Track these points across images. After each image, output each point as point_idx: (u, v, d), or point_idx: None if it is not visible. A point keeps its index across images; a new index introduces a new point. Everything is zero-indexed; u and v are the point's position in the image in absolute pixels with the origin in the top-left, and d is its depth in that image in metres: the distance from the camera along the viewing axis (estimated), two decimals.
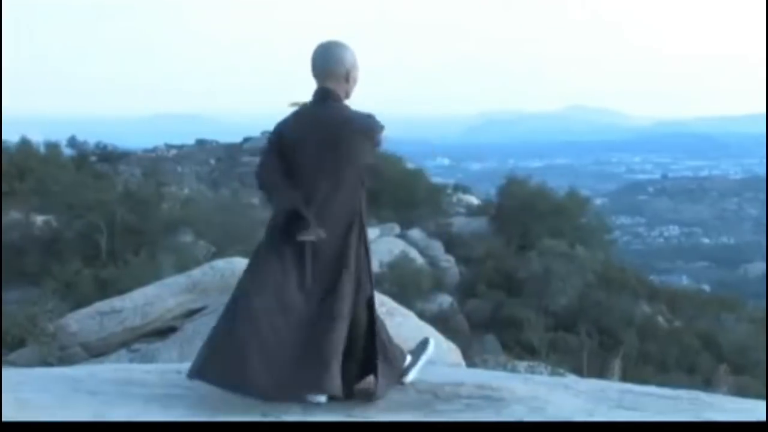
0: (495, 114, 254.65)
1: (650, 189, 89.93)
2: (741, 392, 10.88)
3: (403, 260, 21.02)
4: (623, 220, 67.99)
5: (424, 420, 4.07)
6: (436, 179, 35.92)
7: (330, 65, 4.36)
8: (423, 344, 4.75)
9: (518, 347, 16.73)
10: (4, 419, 3.90)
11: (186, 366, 4.47)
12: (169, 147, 43.74)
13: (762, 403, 4.75)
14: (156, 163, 33.88)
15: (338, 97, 4.37)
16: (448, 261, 23.93)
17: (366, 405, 4.29)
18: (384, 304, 8.68)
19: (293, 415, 4.12)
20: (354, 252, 4.30)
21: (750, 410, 4.53)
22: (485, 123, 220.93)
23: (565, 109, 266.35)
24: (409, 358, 4.62)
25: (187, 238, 17.80)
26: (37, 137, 27.10)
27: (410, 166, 31.55)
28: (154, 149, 42.31)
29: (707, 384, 14.06)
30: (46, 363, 8.86)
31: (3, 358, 9.99)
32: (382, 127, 4.35)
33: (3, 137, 25.77)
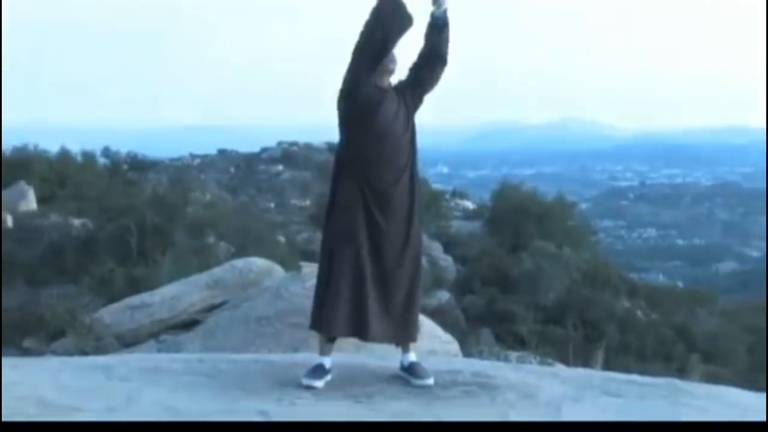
0: (492, 125, 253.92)
1: (630, 195, 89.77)
2: (712, 379, 10.86)
3: None
4: (606, 223, 67.70)
5: (425, 405, 4.06)
6: (436, 186, 35.87)
7: None
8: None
9: (510, 339, 16.68)
10: (45, 404, 3.90)
11: (209, 356, 4.47)
12: (193, 156, 43.78)
13: (731, 390, 4.74)
14: (181, 171, 33.88)
15: None
16: (446, 260, 23.89)
17: (371, 391, 4.28)
18: None
19: (305, 400, 4.12)
20: None
21: (720, 395, 4.52)
22: (483, 133, 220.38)
23: (556, 120, 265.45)
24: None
25: (209, 239, 17.77)
26: (75, 147, 27.19)
27: None
28: (180, 158, 42.35)
29: (681, 372, 14.01)
30: (83, 352, 8.85)
31: (46, 347, 10.03)
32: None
33: (45, 147, 25.85)
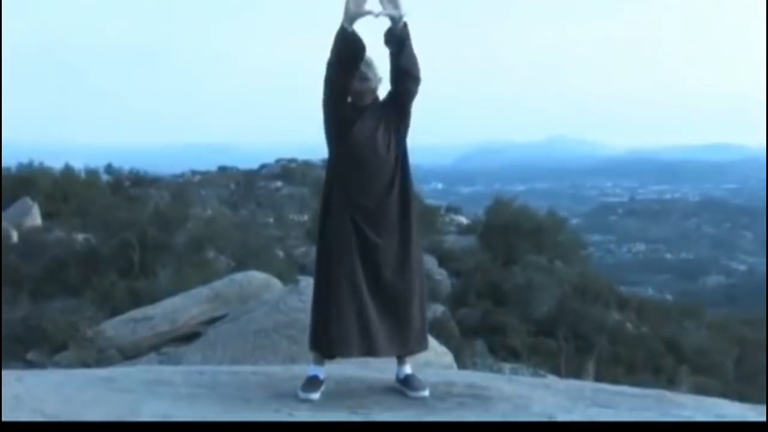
0: (486, 143, 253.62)
1: (620, 210, 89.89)
2: (700, 391, 10.82)
3: None
4: (596, 237, 67.64)
5: (421, 417, 4.05)
6: (431, 201, 35.82)
7: None
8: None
9: (503, 351, 16.63)
10: (48, 416, 3.88)
11: (209, 368, 4.45)
12: (194, 173, 43.71)
13: (719, 401, 4.73)
14: (182, 188, 33.81)
15: None
16: (441, 274, 23.83)
17: (367, 402, 4.27)
18: None
19: (302, 411, 4.10)
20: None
21: (708, 406, 4.51)
22: (477, 151, 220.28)
23: (547, 139, 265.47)
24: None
25: (209, 253, 17.73)
26: (79, 165, 27.15)
27: None
28: (182, 175, 42.30)
29: (670, 383, 13.95)
30: (85, 364, 8.83)
31: (49, 360, 9.98)
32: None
33: (50, 165, 25.80)
